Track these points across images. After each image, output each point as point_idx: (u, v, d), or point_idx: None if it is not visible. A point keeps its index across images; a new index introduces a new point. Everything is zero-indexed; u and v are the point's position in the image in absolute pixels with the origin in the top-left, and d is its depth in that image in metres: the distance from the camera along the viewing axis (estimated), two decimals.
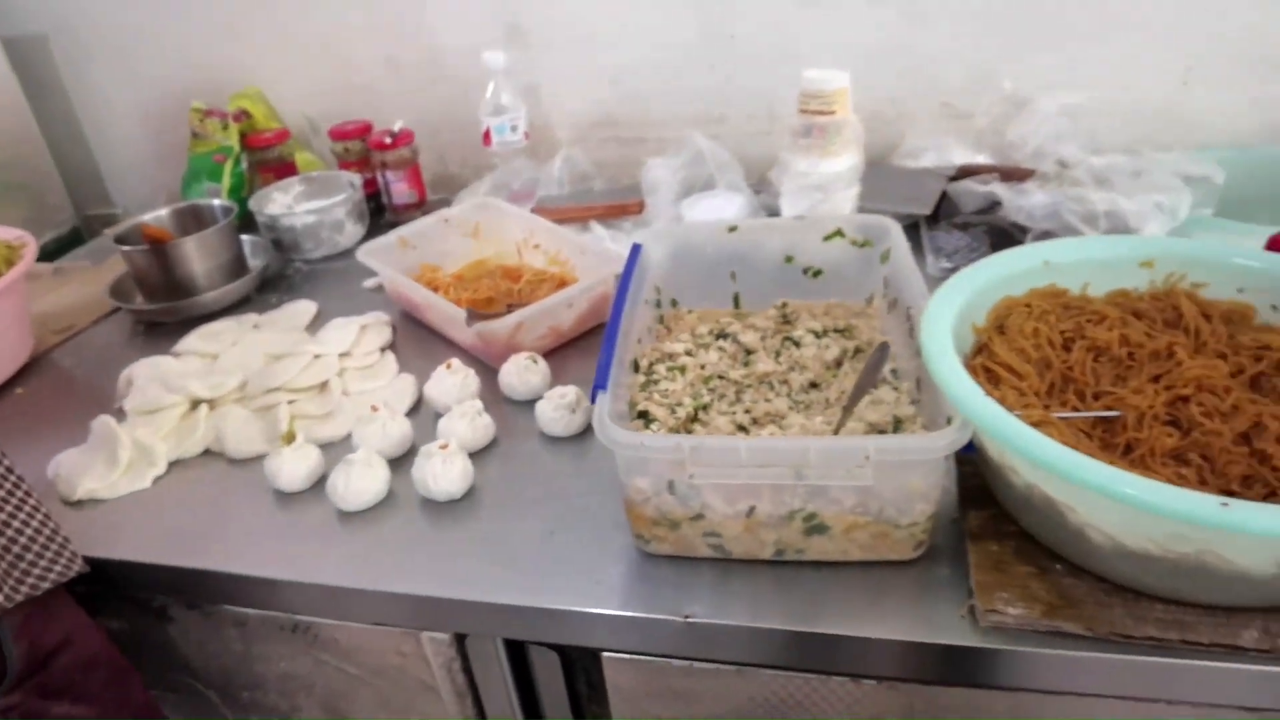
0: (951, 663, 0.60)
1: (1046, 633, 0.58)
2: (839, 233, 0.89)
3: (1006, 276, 0.74)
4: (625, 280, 0.80)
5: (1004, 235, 0.99)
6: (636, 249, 0.86)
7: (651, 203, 1.17)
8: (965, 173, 1.09)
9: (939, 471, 0.60)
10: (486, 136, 1.30)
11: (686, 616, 0.63)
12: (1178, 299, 0.73)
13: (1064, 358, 0.69)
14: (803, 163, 1.04)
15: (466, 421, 0.82)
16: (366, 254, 1.05)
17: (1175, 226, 0.94)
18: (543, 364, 0.90)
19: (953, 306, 0.68)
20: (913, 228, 1.09)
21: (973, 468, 0.70)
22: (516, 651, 0.75)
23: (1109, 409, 0.65)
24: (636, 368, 0.80)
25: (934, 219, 1.07)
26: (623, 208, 1.19)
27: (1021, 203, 0.96)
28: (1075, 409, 0.66)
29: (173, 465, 0.87)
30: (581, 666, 0.75)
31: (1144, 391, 0.65)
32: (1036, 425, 0.60)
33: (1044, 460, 0.53)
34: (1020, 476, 0.59)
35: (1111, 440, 0.64)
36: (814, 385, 0.80)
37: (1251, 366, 0.67)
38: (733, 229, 0.90)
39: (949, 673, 0.61)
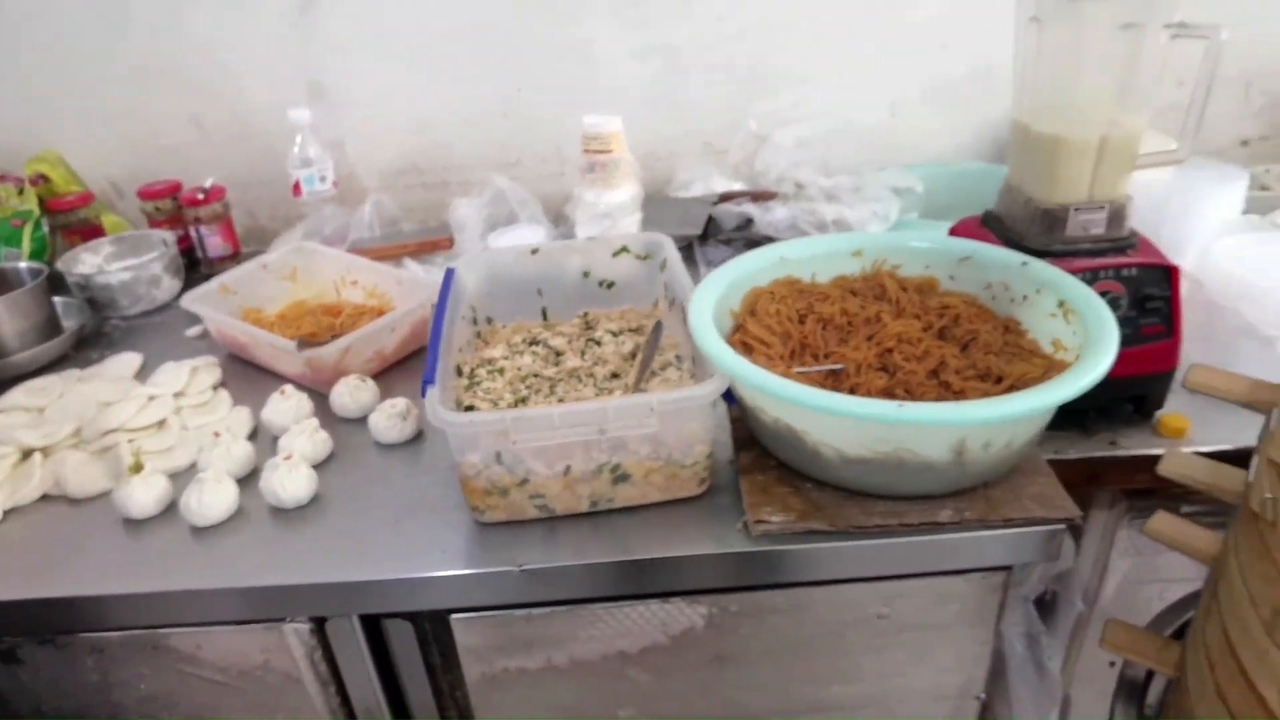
0: (736, 567, 0.75)
1: (802, 533, 0.74)
2: (625, 249, 1.05)
3: (753, 271, 0.92)
4: (443, 299, 0.92)
5: (757, 245, 1.19)
6: (450, 272, 0.98)
7: (460, 238, 1.30)
8: (725, 198, 1.29)
9: (709, 418, 0.76)
10: (296, 188, 1.38)
11: (520, 565, 0.75)
12: (882, 278, 0.93)
13: (800, 329, 0.87)
14: (590, 194, 1.20)
15: (305, 436, 0.90)
16: (191, 301, 1.11)
17: (888, 228, 1.17)
18: (371, 383, 1.00)
19: (711, 296, 0.84)
20: (688, 246, 1.27)
21: (741, 420, 0.87)
22: (373, 632, 0.83)
23: (836, 364, 0.84)
24: (460, 373, 0.92)
25: (704, 237, 1.26)
26: (433, 244, 1.30)
27: (768, 218, 1.16)
28: (812, 366, 0.84)
29: (9, 514, 0.89)
30: (434, 637, 0.85)
31: (860, 348, 0.84)
32: (783, 377, 0.78)
33: (781, 395, 0.70)
34: (768, 414, 0.75)
35: (838, 386, 0.82)
36: (615, 375, 0.94)
37: (937, 322, 0.88)
38: (535, 251, 1.04)
39: (735, 576, 0.76)
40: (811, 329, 0.87)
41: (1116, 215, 0.90)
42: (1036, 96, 0.90)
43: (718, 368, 0.74)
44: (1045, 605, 1.05)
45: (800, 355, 0.86)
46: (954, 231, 1.02)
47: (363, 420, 0.96)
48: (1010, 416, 0.65)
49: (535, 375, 0.93)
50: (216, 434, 0.90)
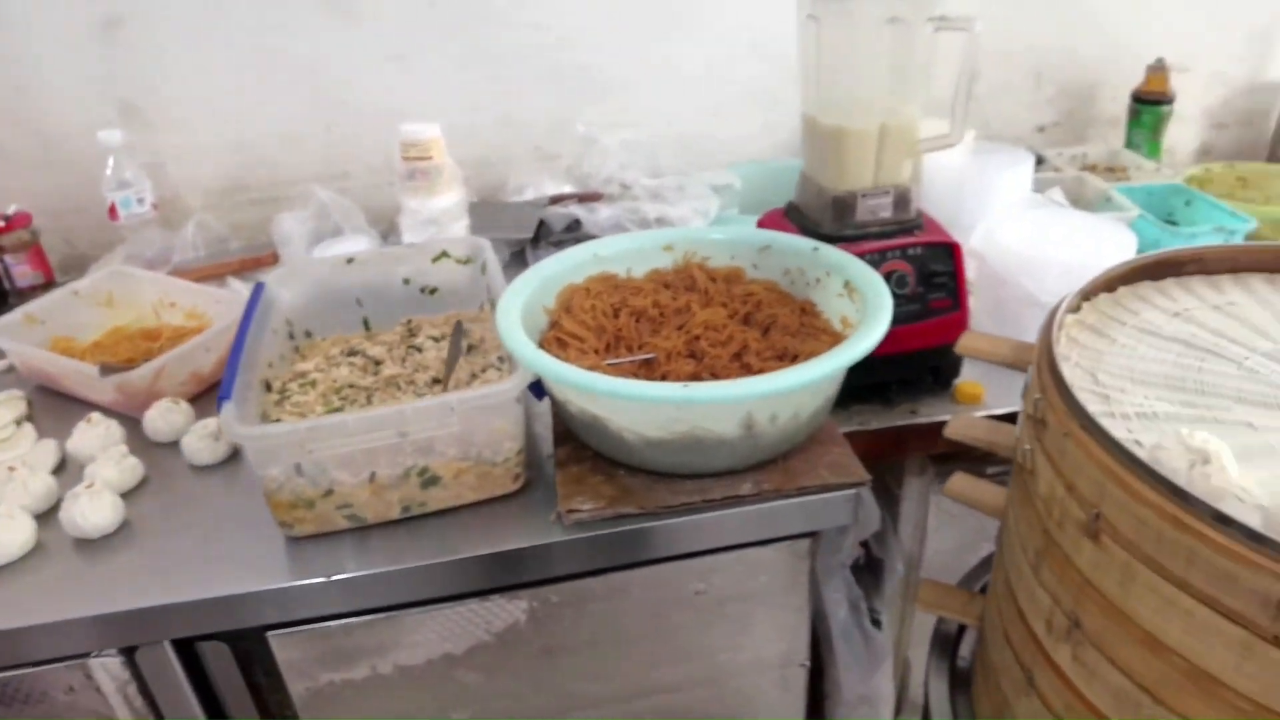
0: (553, 558, 0.77)
1: (613, 517, 0.76)
2: (445, 254, 1.05)
3: (568, 269, 0.93)
4: (248, 313, 0.90)
5: None
6: (260, 287, 0.96)
7: (285, 253, 1.27)
8: (555, 201, 1.31)
9: (517, 413, 0.77)
10: (113, 211, 1.32)
11: (330, 576, 0.74)
12: (692, 270, 0.96)
13: (614, 323, 0.90)
14: (414, 202, 1.20)
15: (112, 463, 0.87)
16: None
17: (709, 223, 1.21)
18: (185, 405, 0.97)
19: (521, 296, 0.86)
20: (521, 250, 1.28)
21: (559, 416, 0.88)
22: (189, 657, 0.81)
23: (648, 353, 0.86)
24: (270, 388, 0.90)
25: (536, 241, 1.28)
26: (257, 260, 1.27)
27: (594, 219, 1.18)
28: (624, 357, 0.86)
29: None
30: (256, 658, 0.83)
31: (671, 338, 0.87)
32: (591, 369, 0.80)
33: (579, 385, 0.71)
34: (574, 405, 0.77)
35: (651, 375, 0.84)
36: (436, 380, 0.94)
37: (742, 309, 0.91)
38: (350, 261, 1.03)
39: (553, 567, 0.78)
40: (625, 322, 0.90)
41: (902, 199, 0.96)
42: (820, 91, 0.95)
43: (522, 363, 0.75)
44: (875, 572, 1.11)
45: (615, 348, 0.88)
46: (760, 223, 1.07)
47: (177, 444, 0.93)
48: (785, 389, 0.68)
49: (351, 386, 0.92)
50: (12, 468, 0.86)
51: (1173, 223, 1.29)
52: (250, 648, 0.81)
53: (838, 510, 0.78)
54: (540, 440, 0.88)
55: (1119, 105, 1.56)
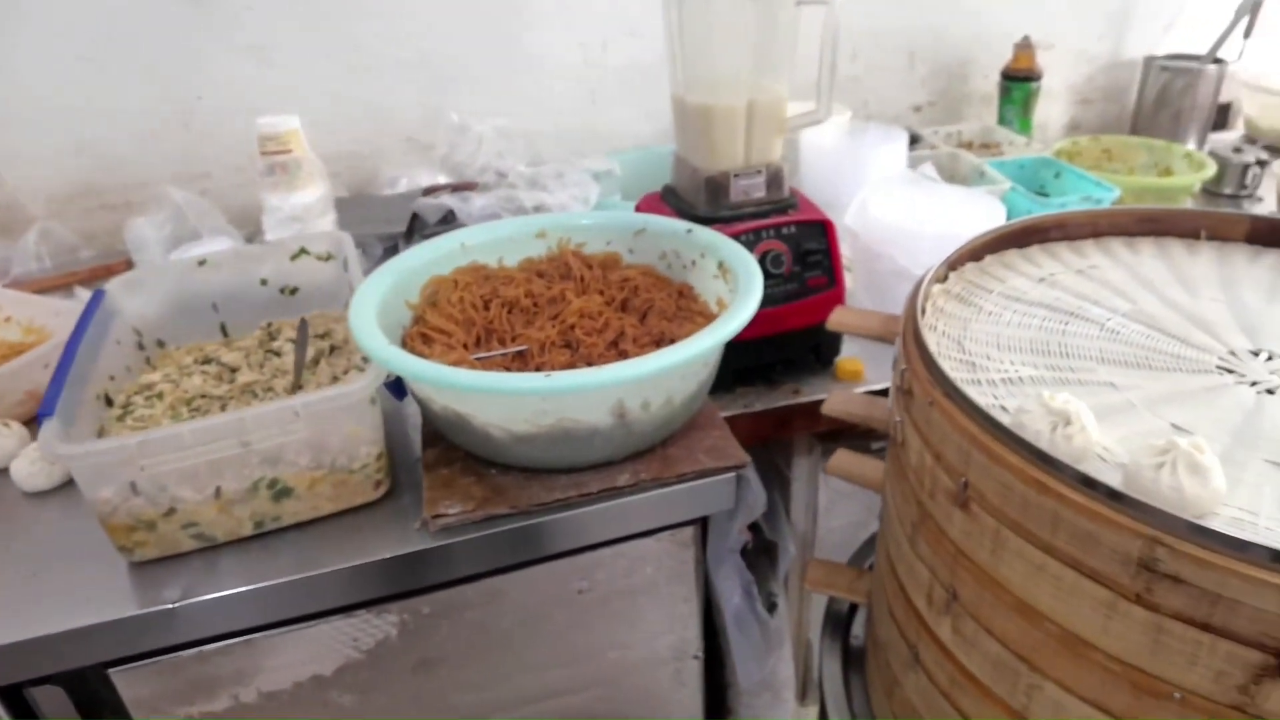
0: (420, 568, 0.72)
1: (484, 519, 0.72)
2: (304, 251, 0.99)
3: (432, 261, 0.89)
4: (81, 323, 0.82)
5: None
6: (98, 295, 0.88)
7: (141, 259, 1.18)
8: (428, 192, 1.25)
9: (372, 415, 0.73)
10: None
11: (174, 602, 0.68)
12: (566, 257, 0.93)
13: (485, 315, 0.86)
14: (275, 198, 1.13)
15: None
16: None
17: (590, 210, 1.17)
18: (18, 427, 0.88)
19: (378, 290, 0.81)
20: (394, 247, 1.22)
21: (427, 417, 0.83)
22: (19, 705, 0.73)
23: (520, 345, 0.82)
24: (111, 403, 0.83)
25: (410, 234, 1.22)
26: (108, 269, 1.18)
27: (467, 208, 1.14)
28: (495, 351, 0.82)
29: None
30: (100, 699, 0.76)
31: (545, 328, 0.84)
32: (454, 365, 0.76)
33: (437, 380, 0.67)
34: (436, 403, 0.73)
35: (525, 368, 0.81)
36: (300, 387, 0.89)
37: (619, 295, 0.88)
38: (202, 263, 0.96)
39: (421, 577, 0.73)
40: (496, 314, 0.86)
41: (775, 178, 0.95)
42: (686, 69, 0.93)
43: (374, 360, 0.70)
44: (770, 554, 1.10)
45: (486, 341, 0.84)
46: (638, 207, 1.04)
47: (7, 470, 0.85)
48: (650, 373, 0.66)
49: (204, 396, 0.86)
50: None
51: (1044, 194, 1.32)
52: (93, 688, 0.74)
53: (719, 495, 0.76)
54: (409, 443, 0.83)
55: (990, 83, 1.59)
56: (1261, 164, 1.40)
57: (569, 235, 0.94)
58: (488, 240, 0.92)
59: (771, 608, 1.01)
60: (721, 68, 0.91)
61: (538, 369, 0.80)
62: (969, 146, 1.49)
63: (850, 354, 1.00)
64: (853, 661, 0.86)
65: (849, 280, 1.08)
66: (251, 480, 0.70)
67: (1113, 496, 0.48)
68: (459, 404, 0.70)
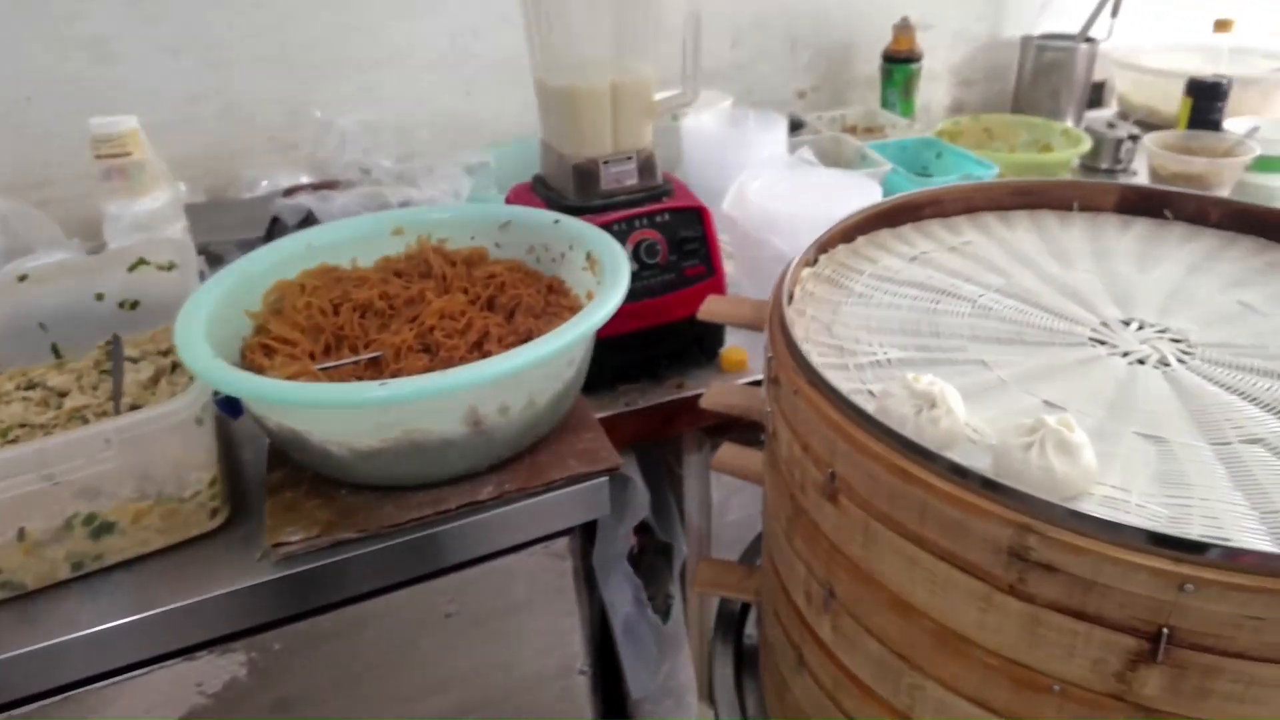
0: (265, 602, 0.66)
1: (330, 545, 0.66)
2: (142, 261, 0.90)
3: (276, 264, 0.82)
4: None
5: None
6: None
7: None
8: (289, 193, 1.17)
9: (200, 437, 0.65)
10: None
11: None
12: (427, 254, 0.87)
13: (335, 321, 0.79)
14: (114, 206, 1.03)
15: None
16: None
17: (458, 204, 1.12)
18: None
19: (210, 299, 0.73)
20: None
21: None
22: None
23: (374, 352, 0.76)
24: None
25: (269, 238, 1.14)
26: None
27: (327, 208, 1.06)
28: (345, 359, 0.76)
29: None
30: None
31: (401, 332, 0.77)
32: (294, 377, 0.69)
33: (261, 395, 0.61)
34: (270, 420, 0.66)
35: (380, 376, 0.74)
36: (135, 407, 0.80)
37: (485, 293, 0.83)
38: (23, 278, 0.87)
39: (268, 611, 0.66)
40: (347, 318, 0.79)
41: (646, 165, 0.91)
42: (546, 51, 0.88)
43: (199, 377, 0.63)
44: (667, 556, 1.06)
45: (336, 349, 0.78)
46: (508, 199, 0.99)
47: None
48: (501, 374, 0.60)
49: (24, 425, 0.77)
50: None
51: (926, 175, 1.32)
52: None
53: (592, 502, 0.72)
54: (256, 464, 0.76)
55: (873, 66, 1.59)
56: (1133, 138, 1.42)
57: (429, 231, 0.88)
58: (338, 239, 0.86)
59: (666, 611, 0.97)
60: (582, 48, 0.87)
61: (393, 376, 0.74)
62: (853, 130, 1.48)
63: (736, 343, 0.96)
64: (746, 663, 0.82)
65: (731, 268, 1.05)
66: (64, 517, 0.62)
67: (980, 483, 0.45)
68: (292, 421, 0.64)
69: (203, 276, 0.88)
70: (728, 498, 1.03)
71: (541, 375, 0.66)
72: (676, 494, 1.04)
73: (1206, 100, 1.41)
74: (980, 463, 0.49)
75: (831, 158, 1.31)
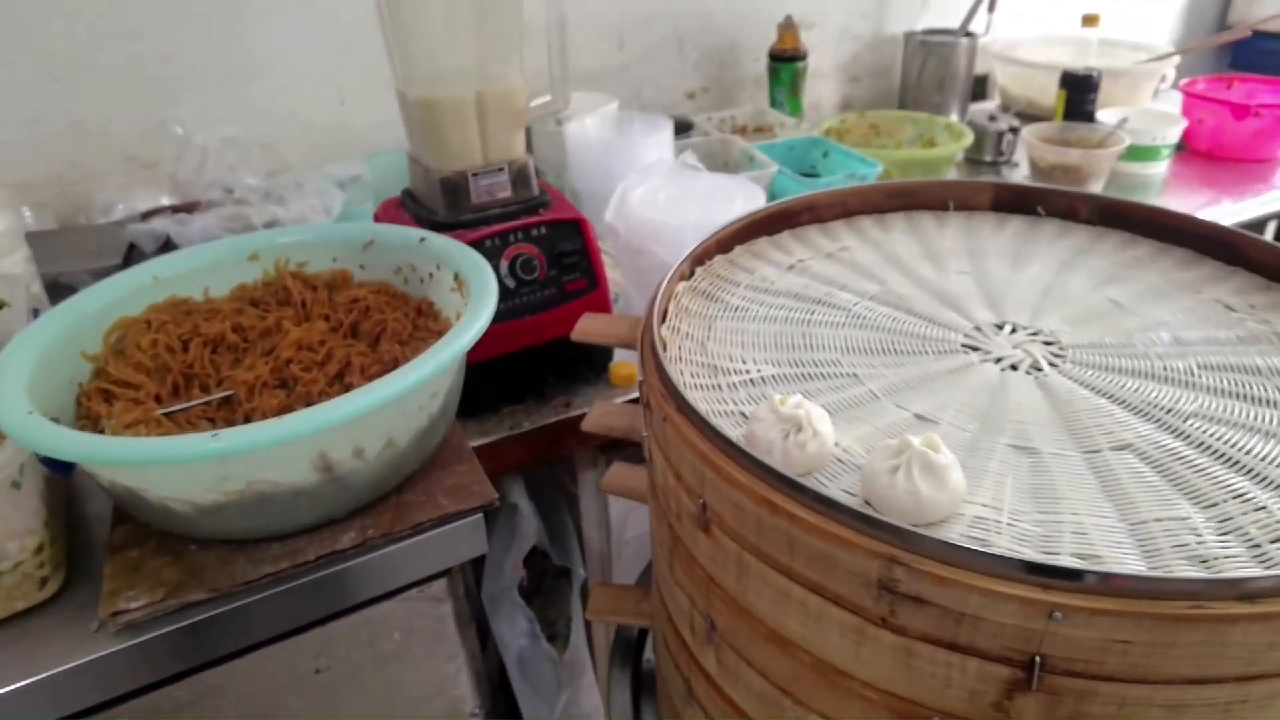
0: (109, 674, 0.60)
1: (179, 609, 0.60)
2: None
3: (116, 300, 0.75)
4: None
5: None
6: None
7: None
8: (146, 216, 1.10)
9: (20, 501, 0.59)
10: None
11: None
12: (285, 281, 0.81)
13: (183, 358, 0.73)
14: None
15: None
16: None
17: (335, 220, 1.06)
18: None
19: (36, 343, 0.66)
20: None
21: None
22: None
23: (226, 390, 0.70)
24: None
25: (127, 265, 1.06)
26: None
27: (185, 231, 0.99)
28: (195, 400, 0.70)
29: None
30: None
31: (255, 367, 0.72)
32: (132, 425, 0.63)
33: (77, 453, 0.55)
34: (103, 477, 0.60)
35: (233, 417, 0.69)
36: None
37: (348, 319, 0.78)
38: None
39: (112, 685, 0.60)
40: (197, 355, 0.73)
41: (520, 176, 0.87)
42: (405, 62, 0.83)
43: (10, 436, 0.57)
44: (569, 581, 1.02)
45: (186, 389, 0.72)
46: (376, 215, 0.94)
47: None
48: (349, 416, 0.56)
49: None
50: None
51: (813, 174, 1.31)
52: None
53: (466, 541, 0.68)
54: (100, 523, 0.70)
55: (760, 65, 1.58)
56: (1014, 130, 1.45)
57: (286, 254, 0.82)
58: (187, 269, 0.79)
59: (566, 638, 0.93)
60: (443, 58, 0.82)
61: (246, 417, 0.68)
62: (743, 131, 1.47)
63: (626, 357, 0.93)
64: (645, 689, 0.80)
65: (618, 280, 1.02)
66: None
67: (845, 513, 0.43)
68: (124, 478, 0.58)
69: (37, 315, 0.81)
70: (626, 515, 1.01)
71: (399, 412, 0.62)
72: (574, 515, 1.01)
73: (1079, 93, 1.44)
74: (846, 491, 0.47)
75: (719, 160, 1.29)
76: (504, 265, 0.83)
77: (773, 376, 0.58)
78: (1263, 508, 0.45)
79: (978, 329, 0.63)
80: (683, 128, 1.42)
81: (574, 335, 0.68)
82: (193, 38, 1.21)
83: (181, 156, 1.17)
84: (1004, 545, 0.43)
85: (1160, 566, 0.42)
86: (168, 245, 1.05)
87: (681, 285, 0.68)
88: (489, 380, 0.84)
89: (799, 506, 0.44)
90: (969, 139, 1.37)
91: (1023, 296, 0.67)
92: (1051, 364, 0.58)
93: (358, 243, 0.82)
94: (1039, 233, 0.77)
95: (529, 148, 1.34)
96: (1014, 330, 0.63)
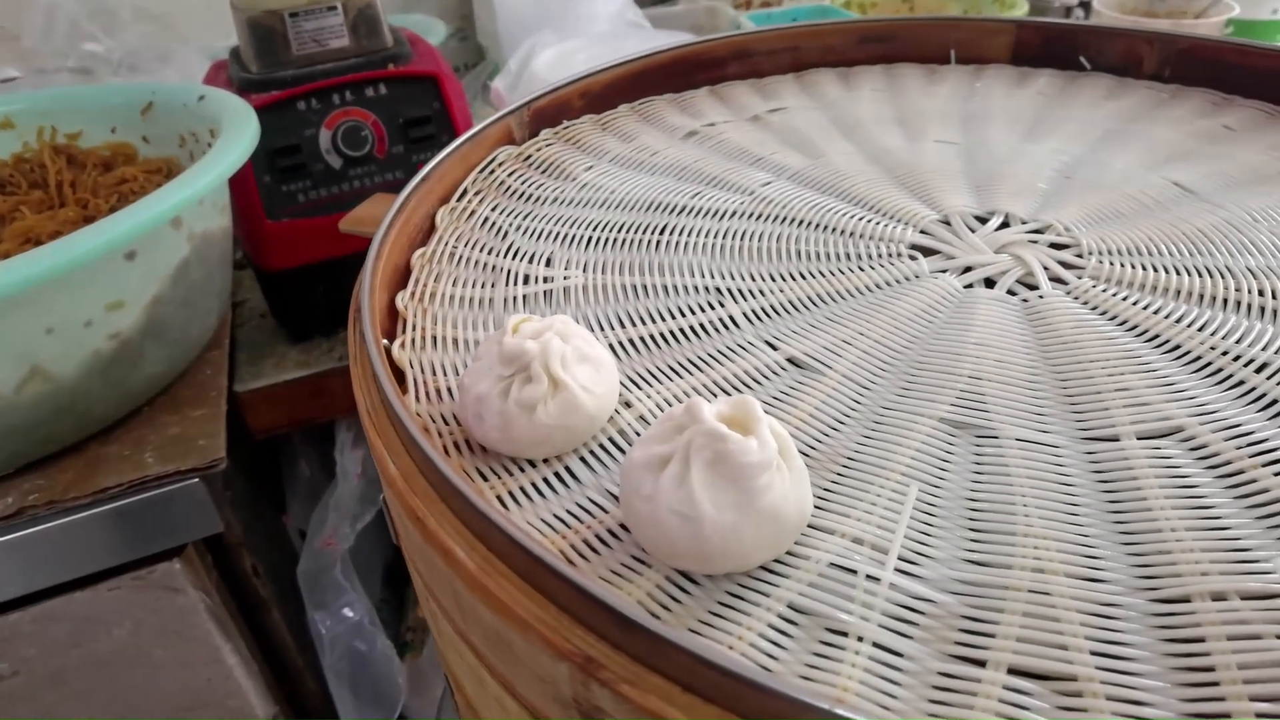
0: None
1: None
2: None
3: None
4: None
5: None
6: None
7: None
8: None
9: None
10: None
11: None
12: (45, 156, 0.61)
13: None
14: None
15: None
16: None
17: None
18: None
19: None
20: None
21: None
22: None
23: None
24: None
25: None
26: None
27: None
28: None
29: None
30: None
31: None
32: None
33: None
34: None
35: None
36: None
37: (109, 205, 0.57)
38: None
39: None
40: None
41: (364, 19, 0.64)
42: None
43: None
44: None
45: None
46: (205, 78, 0.72)
47: None
48: None
49: None
50: None
51: None
52: None
53: (185, 513, 0.47)
54: None
55: None
56: (1084, 4, 1.14)
57: (50, 122, 0.62)
58: None
59: (408, 630, 0.73)
60: None
61: None
62: (746, 5, 1.19)
63: None
64: None
65: None
66: None
67: (526, 559, 0.21)
68: None
69: None
70: None
71: (39, 327, 0.41)
72: None
73: None
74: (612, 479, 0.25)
75: (705, 31, 1.03)
76: (324, 136, 0.61)
77: (584, 288, 0.35)
78: None
79: (944, 222, 0.39)
80: None
81: (342, 226, 0.46)
82: None
83: (33, 21, 0.97)
84: (863, 640, 0.21)
85: None
86: None
87: (504, 150, 0.45)
88: (307, 294, 0.63)
89: (458, 538, 0.22)
90: (1022, 10, 1.08)
91: (1028, 178, 0.42)
92: (1056, 281, 0.34)
93: (137, 106, 0.61)
94: (1077, 92, 0.51)
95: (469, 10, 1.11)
96: (1003, 225, 0.38)
